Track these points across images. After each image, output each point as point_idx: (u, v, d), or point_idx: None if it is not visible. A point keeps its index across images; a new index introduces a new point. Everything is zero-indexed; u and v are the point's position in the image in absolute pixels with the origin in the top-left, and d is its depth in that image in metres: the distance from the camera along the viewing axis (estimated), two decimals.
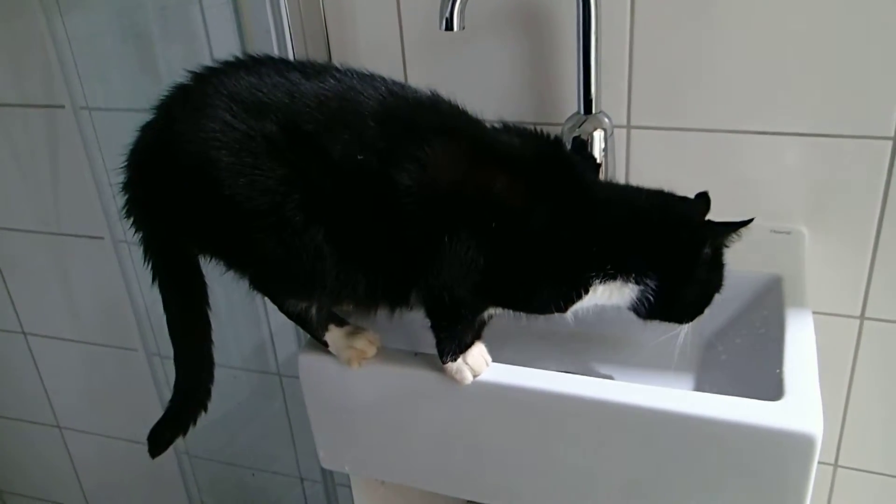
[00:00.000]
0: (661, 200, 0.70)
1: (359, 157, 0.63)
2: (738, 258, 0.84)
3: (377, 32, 0.95)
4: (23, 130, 1.21)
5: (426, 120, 0.66)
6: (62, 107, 1.13)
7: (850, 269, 0.88)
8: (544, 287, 0.67)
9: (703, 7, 0.82)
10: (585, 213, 0.66)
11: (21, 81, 1.17)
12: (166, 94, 0.69)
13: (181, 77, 0.68)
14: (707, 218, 0.69)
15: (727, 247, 0.70)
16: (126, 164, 0.71)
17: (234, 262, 0.71)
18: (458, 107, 0.69)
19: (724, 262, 0.70)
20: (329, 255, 0.64)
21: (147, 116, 0.70)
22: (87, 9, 1.10)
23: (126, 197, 0.72)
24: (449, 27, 0.76)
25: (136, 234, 0.74)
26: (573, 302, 0.68)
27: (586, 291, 0.67)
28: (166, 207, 0.70)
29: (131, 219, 0.73)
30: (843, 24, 0.78)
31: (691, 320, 0.71)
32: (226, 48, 0.98)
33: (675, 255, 0.68)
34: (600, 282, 0.67)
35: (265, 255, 0.66)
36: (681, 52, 0.84)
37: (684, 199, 0.71)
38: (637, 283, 0.67)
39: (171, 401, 0.80)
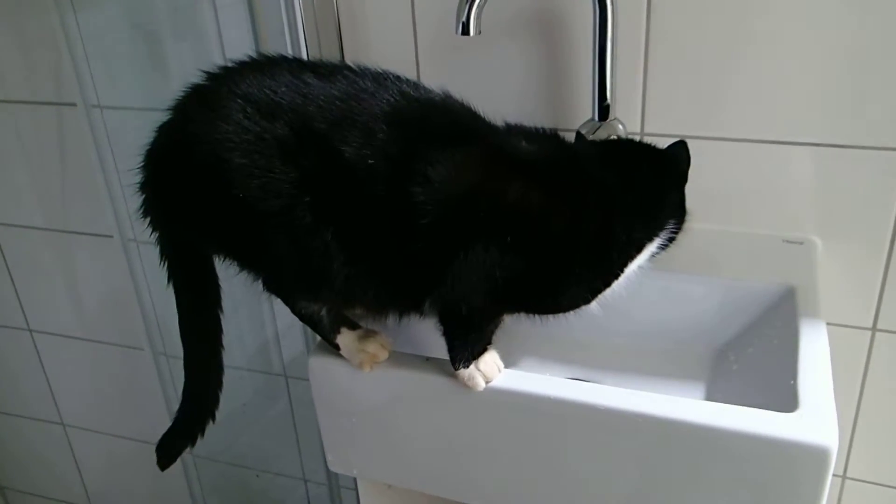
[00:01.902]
0: (642, 151, 0.73)
1: (370, 162, 0.62)
2: (751, 268, 0.84)
3: (391, 34, 0.95)
4: (34, 128, 1.21)
5: (438, 125, 0.66)
6: (73, 105, 1.13)
7: (862, 280, 0.88)
8: (574, 286, 0.67)
9: (718, 16, 0.81)
10: (606, 204, 0.66)
11: (33, 79, 1.17)
12: (182, 94, 0.69)
13: (194, 77, 0.68)
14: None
15: None
16: (142, 164, 0.71)
17: (248, 262, 0.71)
18: (470, 108, 0.69)
19: None
20: (336, 257, 0.64)
21: (159, 115, 0.70)
22: (99, 7, 1.10)
23: (142, 197, 0.72)
24: (465, 32, 0.76)
25: (152, 235, 0.74)
26: (602, 292, 0.68)
27: (617, 277, 0.68)
28: (181, 207, 0.70)
29: (147, 219, 0.73)
30: (858, 34, 0.78)
31: None
32: (239, 48, 0.98)
33: (681, 196, 0.72)
34: (632, 261, 0.68)
35: (276, 255, 0.66)
36: (695, 61, 0.84)
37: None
38: (653, 240, 0.69)
39: (179, 409, 0.81)
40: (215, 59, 0.69)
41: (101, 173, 1.15)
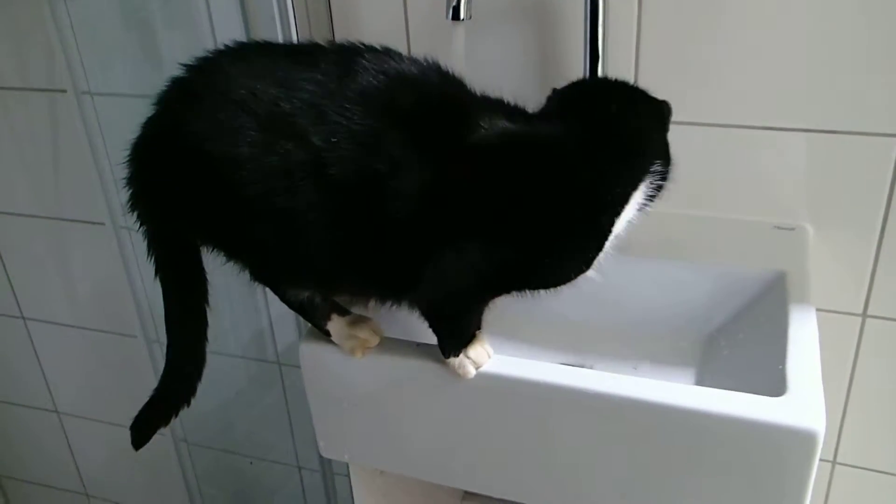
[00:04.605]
0: (621, 91, 0.69)
1: (342, 147, 0.61)
2: (742, 254, 0.84)
3: (382, 18, 0.95)
4: (24, 114, 1.21)
5: (418, 107, 0.64)
6: (64, 91, 1.12)
7: (853, 266, 0.88)
8: (567, 261, 0.65)
9: (710, 1, 0.81)
10: (587, 174, 0.63)
11: (23, 65, 1.17)
12: (165, 87, 0.69)
13: (183, 64, 0.68)
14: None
15: None
16: (129, 158, 0.71)
17: (233, 252, 0.71)
18: (453, 82, 0.67)
19: None
20: (316, 243, 0.64)
21: (149, 102, 0.70)
22: None
23: (130, 191, 0.72)
24: (456, 17, 0.75)
25: (140, 228, 0.73)
26: (596, 258, 0.65)
27: (607, 238, 0.65)
28: (167, 200, 0.70)
29: (135, 213, 0.72)
30: (849, 20, 0.78)
31: None
32: (229, 34, 0.97)
33: (664, 139, 0.68)
34: (620, 217, 0.65)
35: (258, 242, 0.66)
36: (687, 46, 0.84)
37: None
38: (639, 187, 0.65)
39: (156, 390, 0.80)
40: (206, 46, 0.69)
41: (93, 160, 1.15)
